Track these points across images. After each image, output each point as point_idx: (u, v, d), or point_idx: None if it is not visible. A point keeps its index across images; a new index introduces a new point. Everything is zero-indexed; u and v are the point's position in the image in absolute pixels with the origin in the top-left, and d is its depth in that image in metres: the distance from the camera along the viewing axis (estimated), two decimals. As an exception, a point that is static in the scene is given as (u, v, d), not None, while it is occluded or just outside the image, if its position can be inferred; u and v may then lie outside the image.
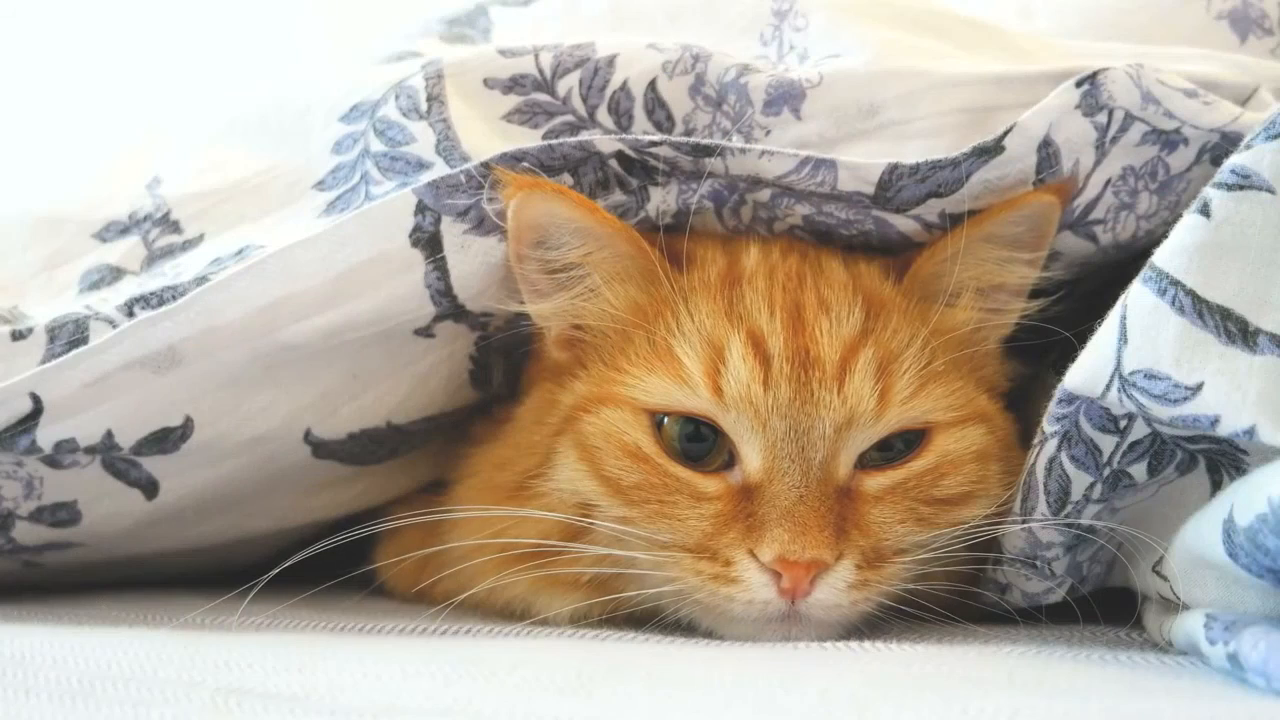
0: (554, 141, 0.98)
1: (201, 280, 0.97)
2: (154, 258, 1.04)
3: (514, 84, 1.02)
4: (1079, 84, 0.96)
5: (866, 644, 0.86)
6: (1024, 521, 0.90)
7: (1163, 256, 0.81)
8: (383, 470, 1.11)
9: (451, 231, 0.97)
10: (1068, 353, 0.87)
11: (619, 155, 0.98)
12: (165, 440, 1.00)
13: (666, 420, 0.93)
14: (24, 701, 0.71)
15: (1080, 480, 0.87)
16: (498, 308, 1.01)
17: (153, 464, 1.02)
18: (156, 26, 2.03)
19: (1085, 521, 0.88)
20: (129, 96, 1.86)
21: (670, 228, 1.00)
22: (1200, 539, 0.78)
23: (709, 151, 0.97)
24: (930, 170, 0.96)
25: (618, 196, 1.00)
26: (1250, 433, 0.75)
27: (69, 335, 0.97)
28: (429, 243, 0.97)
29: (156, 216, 1.06)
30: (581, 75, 1.01)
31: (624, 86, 1.01)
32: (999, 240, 0.98)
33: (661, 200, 1.01)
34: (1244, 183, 0.80)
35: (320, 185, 1.03)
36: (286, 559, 0.97)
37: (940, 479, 0.94)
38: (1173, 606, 0.84)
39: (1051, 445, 0.87)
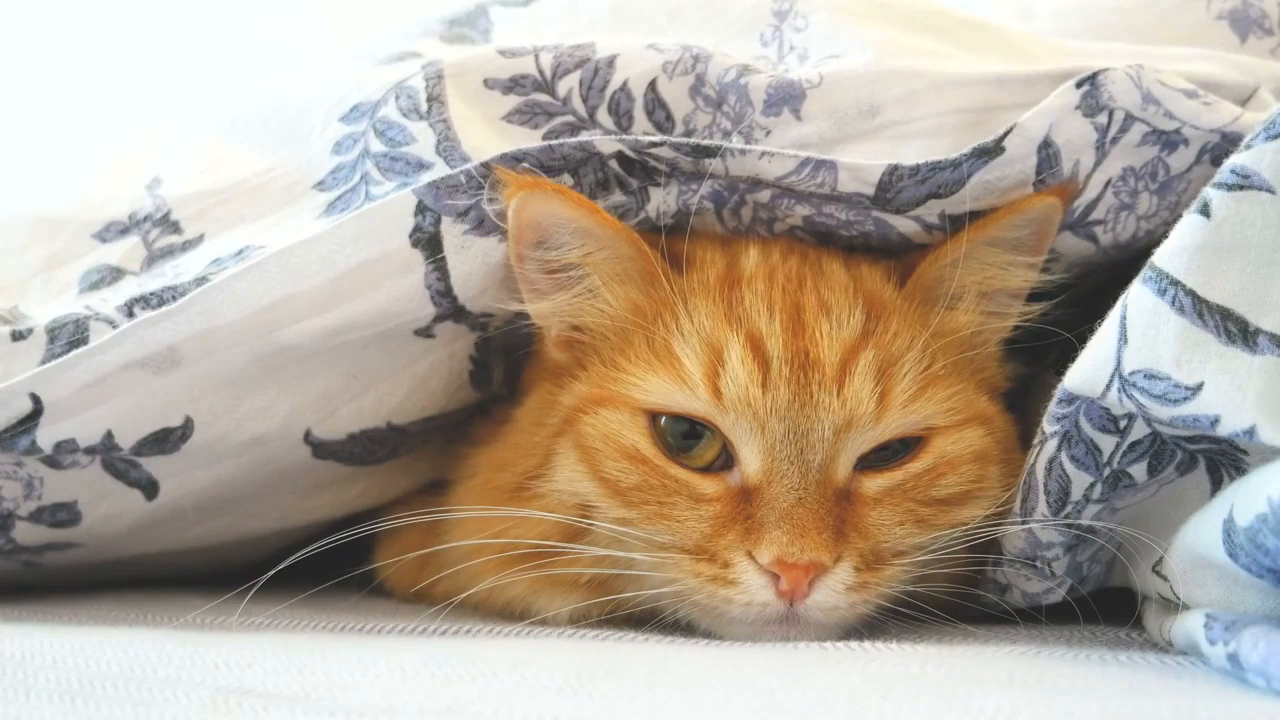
0: (554, 142, 0.98)
1: (201, 281, 0.97)
2: (154, 258, 1.05)
3: (514, 84, 1.02)
4: (1079, 84, 0.96)
5: (866, 644, 0.86)
6: (1024, 522, 0.90)
7: (1163, 256, 0.81)
8: (382, 471, 1.11)
9: (451, 232, 0.97)
10: (1068, 353, 0.87)
11: (619, 156, 0.98)
12: (165, 441, 1.00)
13: (664, 420, 0.93)
14: (24, 701, 0.71)
15: (1080, 480, 0.87)
16: (498, 308, 1.01)
17: (153, 464, 1.02)
18: (157, 26, 2.03)
19: (1085, 522, 0.88)
20: (129, 97, 1.86)
21: (670, 228, 1.00)
22: (1200, 539, 0.78)
23: (709, 152, 0.97)
24: (930, 171, 0.96)
25: (618, 197, 1.00)
26: (1250, 433, 0.75)
27: (69, 336, 0.97)
28: (429, 243, 0.97)
29: (156, 217, 1.07)
30: (582, 76, 1.01)
31: (624, 87, 1.01)
32: (1001, 244, 0.98)
33: (661, 201, 1.01)
34: (1244, 183, 0.80)
35: (320, 185, 1.03)
36: (286, 559, 0.97)
37: (938, 479, 0.94)
38: (1173, 606, 0.84)
39: (1051, 445, 0.87)
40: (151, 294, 0.98)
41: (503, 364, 1.08)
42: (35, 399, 0.96)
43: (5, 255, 1.09)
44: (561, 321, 1.00)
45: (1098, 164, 0.98)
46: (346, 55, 1.17)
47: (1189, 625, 0.79)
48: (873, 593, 0.91)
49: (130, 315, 0.97)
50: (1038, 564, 0.91)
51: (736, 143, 0.99)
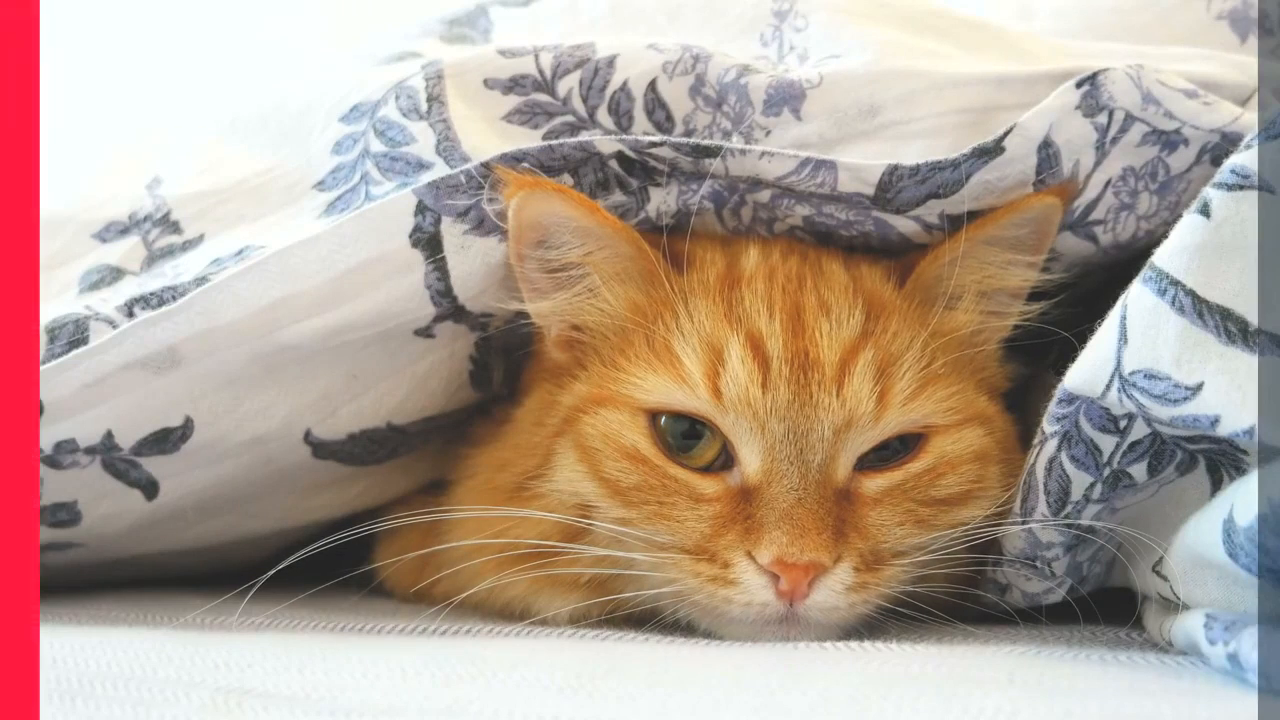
0: (554, 142, 0.98)
1: (201, 281, 0.97)
2: (154, 258, 1.04)
3: (514, 84, 1.02)
4: (1079, 84, 0.96)
5: (866, 644, 0.86)
6: (1024, 522, 0.90)
7: (1163, 256, 0.81)
8: (382, 471, 1.11)
9: (451, 232, 0.97)
10: (1067, 353, 0.87)
11: (619, 156, 0.98)
12: (165, 441, 1.00)
13: (664, 420, 0.93)
14: (24, 701, 0.71)
15: (1080, 480, 0.87)
16: (498, 308, 1.01)
17: (153, 464, 1.02)
18: (158, 27, 2.03)
19: (1085, 522, 0.88)
20: (130, 97, 1.86)
21: (670, 228, 1.00)
22: (1200, 539, 0.78)
23: (709, 152, 0.97)
24: (930, 171, 0.96)
25: (618, 197, 1.00)
26: (1250, 433, 0.75)
27: (69, 335, 0.97)
28: (429, 243, 0.97)
29: (157, 217, 1.07)
30: (582, 76, 1.01)
31: (624, 87, 1.01)
32: (1001, 243, 0.98)
33: (662, 201, 1.01)
34: (1244, 183, 0.80)
35: (320, 185, 1.03)
36: (286, 559, 0.97)
37: (938, 479, 0.94)
38: (1173, 606, 0.84)
39: (1051, 445, 0.87)
40: (151, 294, 0.98)
41: (503, 364, 1.08)
42: (35, 399, 0.96)
43: (5, 255, 1.09)
44: (561, 321, 1.00)
45: (1098, 164, 0.98)
46: (347, 55, 1.17)
47: (1189, 625, 0.79)
48: (872, 593, 0.91)
49: (130, 315, 0.97)
50: (1038, 564, 0.91)
51: (736, 143, 0.99)
